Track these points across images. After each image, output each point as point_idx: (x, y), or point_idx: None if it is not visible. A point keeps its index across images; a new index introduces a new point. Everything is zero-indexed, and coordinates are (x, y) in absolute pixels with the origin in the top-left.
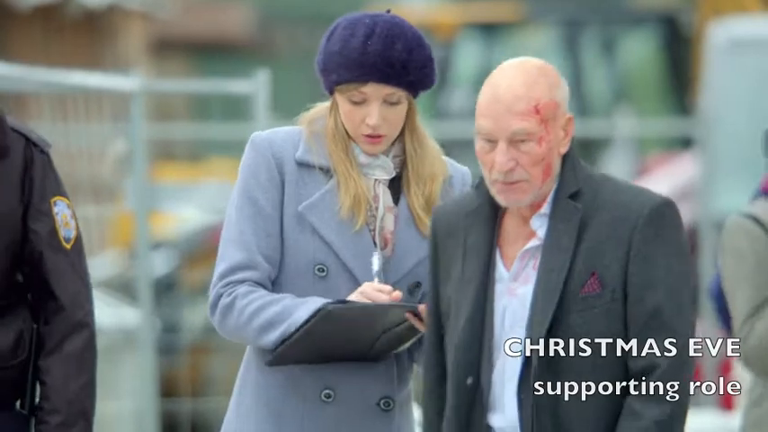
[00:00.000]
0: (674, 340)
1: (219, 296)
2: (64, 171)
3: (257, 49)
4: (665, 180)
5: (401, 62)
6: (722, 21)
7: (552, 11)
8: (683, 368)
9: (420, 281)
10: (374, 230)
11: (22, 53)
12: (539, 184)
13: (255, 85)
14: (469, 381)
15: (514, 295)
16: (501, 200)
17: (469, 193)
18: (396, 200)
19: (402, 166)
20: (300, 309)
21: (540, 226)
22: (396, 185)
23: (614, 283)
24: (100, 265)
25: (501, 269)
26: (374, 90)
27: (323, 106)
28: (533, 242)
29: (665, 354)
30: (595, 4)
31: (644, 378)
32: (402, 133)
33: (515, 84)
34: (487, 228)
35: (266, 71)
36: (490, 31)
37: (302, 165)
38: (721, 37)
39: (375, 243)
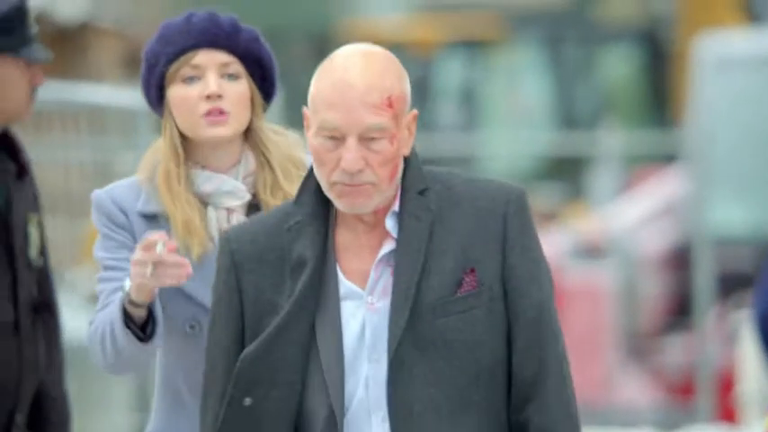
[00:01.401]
0: (558, 341)
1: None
2: (74, 185)
3: None
4: (650, 195)
5: (231, 26)
6: (706, 37)
7: (533, 28)
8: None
9: None
10: None
11: None
12: (385, 187)
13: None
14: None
15: (375, 311)
16: (343, 204)
17: (282, 209)
18: None
19: (255, 184)
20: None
21: (393, 226)
22: (257, 210)
23: (491, 279)
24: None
25: (348, 285)
26: (206, 58)
27: (157, 142)
28: (387, 246)
29: (552, 361)
30: (575, 21)
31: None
32: (247, 139)
33: (367, 72)
34: (319, 241)
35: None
36: (470, 47)
37: (147, 217)
38: (708, 53)
39: None
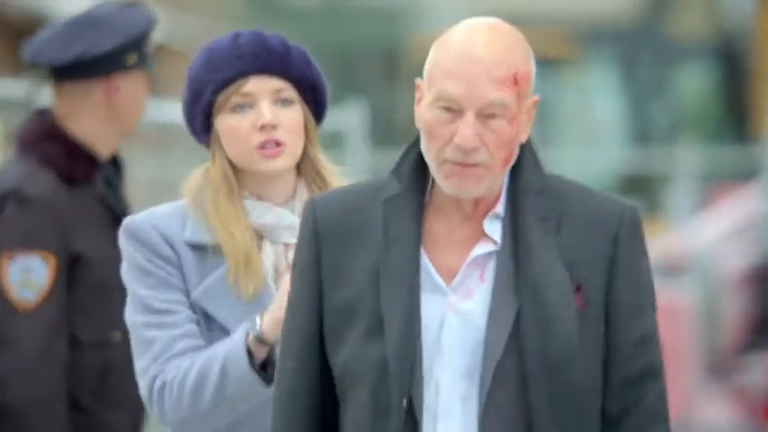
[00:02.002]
0: (658, 375)
1: (153, 380)
2: (139, 202)
3: None
4: (729, 212)
5: (282, 48)
6: None
7: (604, 44)
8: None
9: None
10: None
11: None
12: (498, 171)
13: (350, 115)
14: (405, 403)
15: (455, 311)
16: (449, 185)
17: (378, 180)
18: None
19: None
20: (219, 346)
21: (494, 229)
22: None
23: (596, 299)
24: None
25: (435, 277)
26: (257, 85)
27: (203, 167)
28: (484, 248)
29: (650, 391)
30: (647, 36)
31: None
32: (300, 169)
33: (494, 45)
34: (413, 221)
35: (360, 100)
36: (542, 64)
37: (196, 247)
38: None
39: None
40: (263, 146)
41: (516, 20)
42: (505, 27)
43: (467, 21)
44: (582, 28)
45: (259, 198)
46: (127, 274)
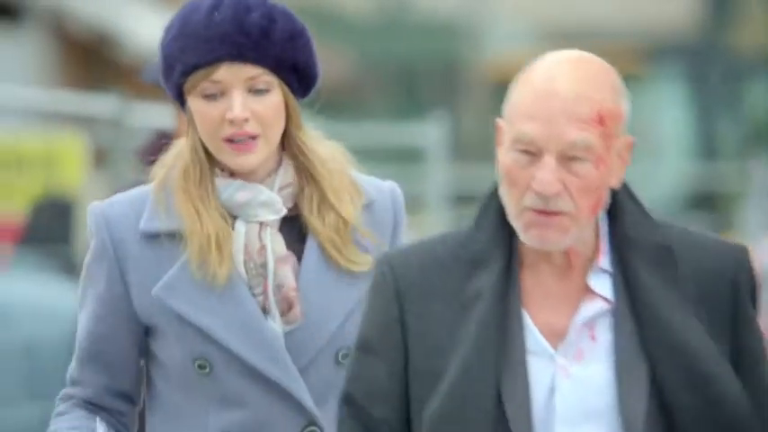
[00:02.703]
0: None
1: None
2: None
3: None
4: None
5: (260, 30)
6: None
7: (670, 59)
8: None
9: (351, 346)
10: (264, 294)
11: None
12: (585, 220)
13: (433, 129)
14: None
15: (568, 375)
16: (530, 237)
17: (456, 234)
18: (299, 243)
19: (296, 196)
20: None
21: (602, 285)
22: (295, 225)
23: (725, 352)
24: None
25: (538, 337)
26: (230, 73)
27: (180, 145)
28: (594, 306)
29: None
30: (712, 51)
31: None
32: (285, 148)
33: (577, 80)
34: (505, 277)
35: (443, 113)
36: None
37: (151, 237)
38: None
39: (265, 311)
40: (231, 139)
41: (581, 35)
42: (592, 60)
43: (550, 54)
44: (648, 43)
45: (232, 175)
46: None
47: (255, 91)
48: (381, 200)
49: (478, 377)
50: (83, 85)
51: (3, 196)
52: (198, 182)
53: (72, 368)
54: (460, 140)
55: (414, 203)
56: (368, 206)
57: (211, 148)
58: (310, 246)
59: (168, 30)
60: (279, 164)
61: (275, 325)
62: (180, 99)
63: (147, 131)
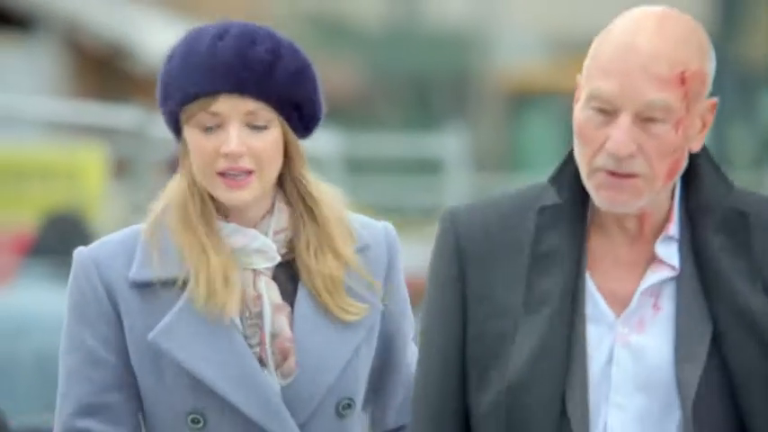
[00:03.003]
0: None
1: None
2: None
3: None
4: None
5: (264, 65)
6: None
7: None
8: None
9: (352, 396)
10: (261, 344)
11: None
12: (660, 185)
13: (452, 139)
14: None
15: (626, 345)
16: (601, 198)
17: (531, 189)
18: (291, 291)
19: (289, 240)
20: None
21: (669, 253)
22: (285, 271)
23: None
24: None
25: (601, 305)
26: (228, 106)
27: (176, 182)
28: (660, 274)
29: None
30: (729, 63)
31: None
32: (282, 188)
33: (660, 37)
34: (575, 238)
35: (459, 124)
36: None
37: (142, 286)
38: None
39: (263, 363)
40: (224, 174)
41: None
42: (679, 17)
43: (638, 8)
44: None
45: (226, 218)
46: (68, 312)
47: (254, 126)
48: (375, 243)
49: (552, 346)
50: (96, 97)
51: (24, 206)
52: (200, 215)
53: (66, 422)
54: (472, 151)
55: (431, 214)
56: (361, 250)
57: (204, 182)
58: (302, 293)
59: (170, 56)
60: (272, 206)
61: (271, 378)
62: (175, 128)
63: (170, 142)
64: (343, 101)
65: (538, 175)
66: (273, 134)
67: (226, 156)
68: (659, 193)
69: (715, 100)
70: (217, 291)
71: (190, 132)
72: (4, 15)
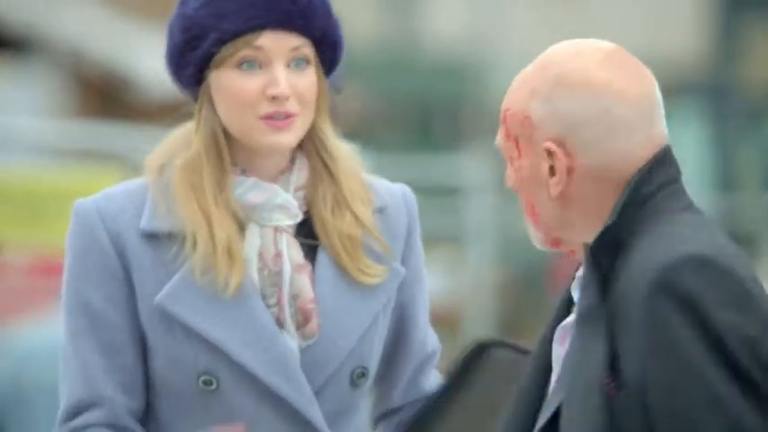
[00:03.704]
0: None
1: None
2: None
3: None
4: None
5: None
6: None
7: (683, 100)
8: None
9: (367, 366)
10: (279, 305)
11: None
12: (531, 220)
13: (465, 165)
14: None
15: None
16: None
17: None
18: (310, 250)
19: (309, 199)
20: None
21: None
22: (304, 231)
23: (630, 384)
24: None
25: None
26: (274, 41)
27: (180, 134)
28: (570, 317)
29: None
30: (729, 89)
31: None
32: (303, 142)
33: (521, 73)
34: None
35: (476, 150)
36: None
37: (153, 236)
38: None
39: (280, 323)
40: (270, 116)
41: None
42: (548, 54)
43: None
44: (658, 80)
45: (244, 172)
46: (65, 261)
47: (296, 62)
48: (394, 204)
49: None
50: (96, 122)
51: (42, 231)
52: (210, 175)
53: (74, 392)
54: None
55: (451, 238)
56: (380, 210)
57: (240, 127)
58: (322, 254)
59: (186, 4)
60: (291, 161)
61: (291, 340)
62: (193, 79)
63: None
64: (344, 125)
65: None
66: (312, 74)
67: (273, 98)
68: (574, 232)
69: (550, 145)
70: (218, 266)
71: (225, 74)
72: (2, 39)
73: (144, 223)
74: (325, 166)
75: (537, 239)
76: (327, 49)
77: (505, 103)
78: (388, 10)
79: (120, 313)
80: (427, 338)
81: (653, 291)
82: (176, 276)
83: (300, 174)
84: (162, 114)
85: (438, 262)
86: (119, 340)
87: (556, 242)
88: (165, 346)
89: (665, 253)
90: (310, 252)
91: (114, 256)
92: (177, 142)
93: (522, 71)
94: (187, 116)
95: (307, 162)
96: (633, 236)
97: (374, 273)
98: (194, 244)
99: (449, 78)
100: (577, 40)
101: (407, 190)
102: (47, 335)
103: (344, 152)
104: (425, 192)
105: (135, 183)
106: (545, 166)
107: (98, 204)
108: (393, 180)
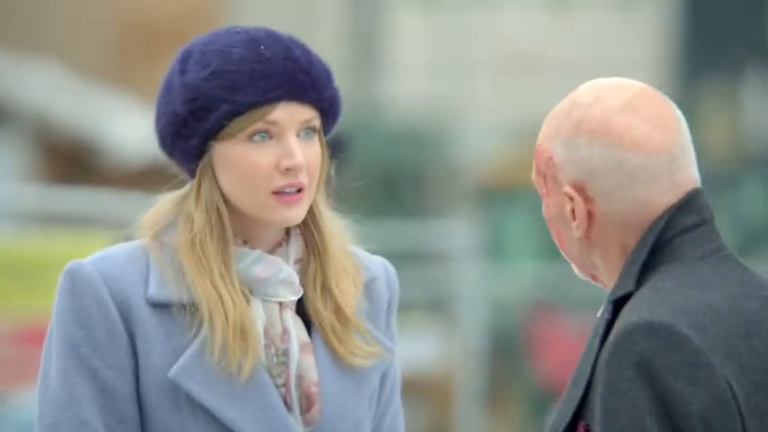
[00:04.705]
0: None
1: None
2: None
3: None
4: None
5: (316, 67)
6: None
7: None
8: None
9: None
10: (286, 386)
11: None
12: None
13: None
14: None
15: None
16: None
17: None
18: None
19: (302, 275)
20: None
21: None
22: (298, 307)
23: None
24: None
25: None
26: (289, 114)
27: (171, 198)
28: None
29: None
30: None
31: None
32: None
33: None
34: None
35: (465, 216)
36: None
37: (160, 306)
38: None
39: (287, 406)
40: (280, 191)
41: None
42: (575, 95)
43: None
44: None
45: (245, 243)
46: (55, 339)
47: (305, 135)
48: (380, 276)
49: None
50: (66, 187)
51: (33, 299)
52: (216, 252)
53: None
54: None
55: (439, 304)
56: (369, 284)
57: (249, 202)
58: (316, 334)
59: (198, 66)
60: (286, 232)
61: (296, 424)
62: (193, 155)
63: None
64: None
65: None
66: (318, 144)
67: (287, 170)
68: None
69: (571, 191)
70: (233, 348)
71: (233, 148)
72: None
73: (152, 291)
74: (318, 241)
75: (577, 272)
76: (331, 120)
77: (539, 137)
78: (349, 76)
79: (128, 384)
80: (398, 417)
81: (612, 353)
82: (189, 352)
83: (297, 245)
84: (131, 180)
85: (420, 329)
86: (125, 411)
87: (592, 277)
88: (170, 423)
89: (630, 315)
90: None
91: (120, 323)
92: (167, 210)
93: (557, 106)
94: (159, 181)
95: (300, 233)
96: (640, 285)
97: (365, 354)
98: (211, 324)
99: (412, 144)
100: (604, 81)
101: (389, 265)
102: None
103: (337, 227)
104: (411, 258)
105: (130, 246)
106: (568, 208)
107: (98, 266)
108: (372, 247)
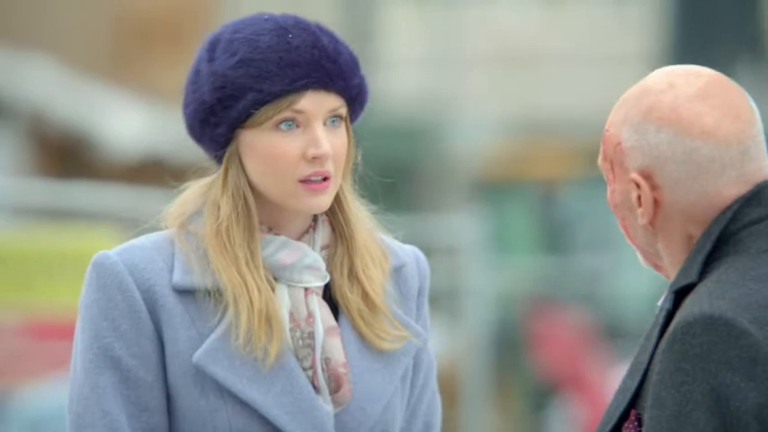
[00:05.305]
0: None
1: None
2: None
3: None
4: None
5: (343, 56)
6: None
7: None
8: None
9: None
10: (313, 369)
11: None
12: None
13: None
14: None
15: None
16: None
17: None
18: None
19: (329, 260)
20: None
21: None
22: (325, 292)
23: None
24: None
25: None
26: (315, 103)
27: (198, 187)
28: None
29: None
30: None
31: None
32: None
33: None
34: None
35: (473, 209)
36: (595, 180)
37: (185, 293)
38: None
39: (315, 387)
40: (308, 180)
41: (552, 127)
42: (647, 80)
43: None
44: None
45: (271, 230)
46: (81, 330)
47: (331, 123)
48: (409, 264)
49: None
50: (62, 182)
51: (36, 292)
52: (242, 239)
53: None
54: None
55: (447, 298)
56: (397, 270)
57: (276, 190)
58: (344, 317)
59: (226, 54)
60: (314, 218)
61: (326, 405)
62: (221, 142)
63: None
64: None
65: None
66: (344, 133)
67: (313, 159)
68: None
69: (637, 177)
70: (258, 334)
71: (260, 136)
72: None
73: (177, 278)
74: (344, 227)
75: (641, 260)
76: (357, 108)
77: (607, 122)
78: None
79: (152, 372)
80: (434, 403)
81: (670, 344)
82: (213, 336)
83: (324, 232)
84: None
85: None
86: (149, 400)
87: (656, 266)
88: (197, 408)
89: (691, 307)
90: (333, 311)
91: (146, 312)
92: (194, 199)
93: (627, 91)
94: (153, 176)
95: (327, 219)
96: (703, 276)
97: (392, 338)
98: (236, 310)
99: (406, 139)
100: (677, 69)
101: (420, 253)
102: (57, 399)
103: (363, 214)
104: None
105: (156, 236)
106: (634, 195)
107: (123, 257)
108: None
